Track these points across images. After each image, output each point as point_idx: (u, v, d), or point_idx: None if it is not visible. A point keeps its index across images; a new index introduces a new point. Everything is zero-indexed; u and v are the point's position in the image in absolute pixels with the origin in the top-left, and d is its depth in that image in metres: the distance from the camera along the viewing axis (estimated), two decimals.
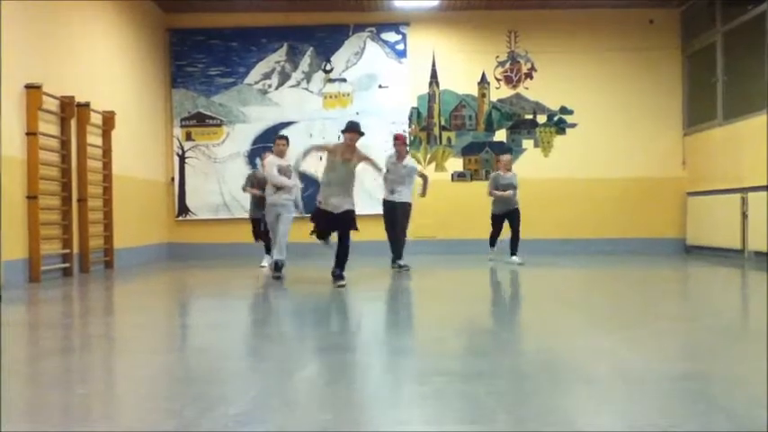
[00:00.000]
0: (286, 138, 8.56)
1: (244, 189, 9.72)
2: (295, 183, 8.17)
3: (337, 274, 7.02)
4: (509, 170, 10.01)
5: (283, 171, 8.09)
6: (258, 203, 9.19)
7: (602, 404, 2.76)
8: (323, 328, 4.88)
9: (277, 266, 7.73)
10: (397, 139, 9.14)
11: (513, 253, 9.75)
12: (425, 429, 2.49)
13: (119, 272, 9.39)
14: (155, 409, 2.78)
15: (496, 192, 9.77)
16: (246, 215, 10.14)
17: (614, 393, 2.92)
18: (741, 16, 10.43)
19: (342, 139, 7.62)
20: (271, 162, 8.17)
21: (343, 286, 6.80)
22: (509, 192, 9.69)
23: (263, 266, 9.30)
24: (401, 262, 8.84)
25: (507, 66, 12.52)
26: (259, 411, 2.65)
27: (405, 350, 3.95)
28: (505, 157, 10.22)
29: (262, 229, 9.29)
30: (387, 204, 9.07)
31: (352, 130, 7.22)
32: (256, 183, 9.36)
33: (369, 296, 6.58)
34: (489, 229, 9.97)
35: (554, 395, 2.85)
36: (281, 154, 8.29)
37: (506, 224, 9.87)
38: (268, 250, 9.26)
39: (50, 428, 2.49)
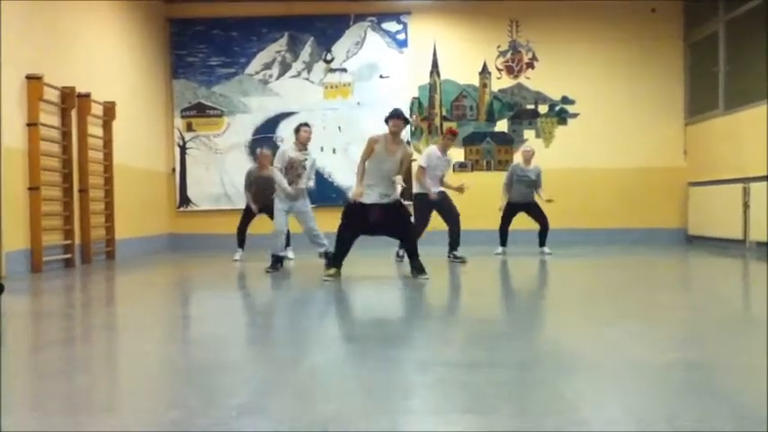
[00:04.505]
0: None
1: (246, 189, 9.36)
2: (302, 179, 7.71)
3: (417, 267, 6.74)
4: (529, 162, 9.77)
5: (295, 165, 7.72)
6: (256, 198, 9.16)
7: (606, 394, 2.77)
8: (326, 319, 4.89)
9: (276, 259, 7.70)
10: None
11: (542, 243, 9.77)
12: (428, 418, 2.49)
13: (120, 263, 9.40)
14: (158, 399, 2.79)
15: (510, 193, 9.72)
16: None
17: (617, 383, 2.92)
18: (743, 6, 10.39)
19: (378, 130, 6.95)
20: (281, 155, 7.71)
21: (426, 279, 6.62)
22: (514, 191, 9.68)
23: (236, 260, 9.24)
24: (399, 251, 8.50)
25: (508, 55, 12.49)
26: (263, 401, 2.66)
27: (407, 340, 3.96)
28: (525, 148, 10.11)
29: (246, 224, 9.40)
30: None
31: (396, 116, 6.55)
32: (254, 182, 9.12)
33: (370, 287, 6.58)
34: (491, 218, 9.91)
35: (557, 385, 2.86)
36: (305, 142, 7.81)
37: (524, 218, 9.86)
38: (241, 244, 9.43)
39: (52, 418, 2.50)
